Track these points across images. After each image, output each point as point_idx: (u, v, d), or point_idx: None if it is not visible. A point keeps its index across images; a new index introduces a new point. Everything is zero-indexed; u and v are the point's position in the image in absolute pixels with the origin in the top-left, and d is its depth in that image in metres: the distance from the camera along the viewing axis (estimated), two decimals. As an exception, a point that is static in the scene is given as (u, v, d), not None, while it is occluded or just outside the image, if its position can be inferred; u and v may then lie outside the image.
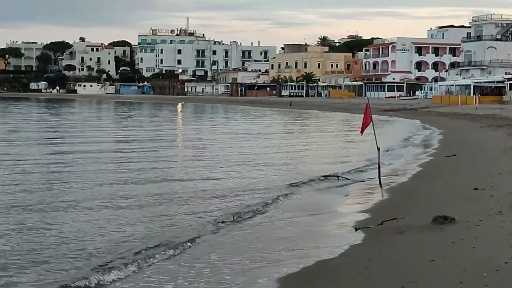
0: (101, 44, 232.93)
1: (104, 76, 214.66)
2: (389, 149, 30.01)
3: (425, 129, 47.53)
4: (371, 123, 19.63)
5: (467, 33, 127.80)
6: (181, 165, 23.91)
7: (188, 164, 24.20)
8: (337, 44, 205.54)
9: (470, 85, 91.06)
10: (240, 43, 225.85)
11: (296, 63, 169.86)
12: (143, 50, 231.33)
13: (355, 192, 18.57)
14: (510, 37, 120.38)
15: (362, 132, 20.14)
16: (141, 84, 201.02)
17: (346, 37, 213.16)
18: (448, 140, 34.97)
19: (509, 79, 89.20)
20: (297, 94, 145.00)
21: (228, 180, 20.06)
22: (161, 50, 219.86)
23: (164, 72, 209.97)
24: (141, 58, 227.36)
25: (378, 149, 20.17)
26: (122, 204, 15.63)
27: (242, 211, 15.10)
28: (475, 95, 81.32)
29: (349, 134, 44.08)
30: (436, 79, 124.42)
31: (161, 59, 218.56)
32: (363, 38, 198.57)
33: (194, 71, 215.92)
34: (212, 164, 23.96)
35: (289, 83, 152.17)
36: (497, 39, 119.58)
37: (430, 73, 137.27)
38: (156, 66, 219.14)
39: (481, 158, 23.22)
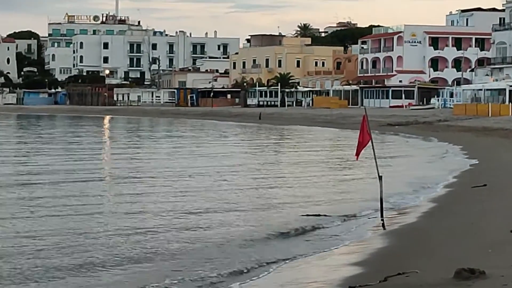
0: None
1: (2, 79, 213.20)
2: (394, 177, 30.03)
3: (444, 149, 48.12)
4: (369, 143, 19.68)
5: (500, 18, 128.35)
6: (109, 218, 23.32)
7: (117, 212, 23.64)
8: (322, 35, 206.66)
9: (504, 89, 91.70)
10: (190, 34, 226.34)
11: (267, 60, 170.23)
12: (56, 44, 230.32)
13: (349, 235, 18.64)
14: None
15: (357, 155, 20.14)
16: (53, 90, 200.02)
17: (335, 25, 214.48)
18: (475, 165, 35.35)
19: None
20: (269, 103, 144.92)
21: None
22: (81, 43, 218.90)
23: (85, 74, 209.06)
24: (53, 55, 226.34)
25: (380, 177, 20.13)
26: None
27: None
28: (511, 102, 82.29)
29: (340, 157, 44.31)
30: (458, 82, 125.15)
31: (81, 56, 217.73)
32: (359, 26, 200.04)
33: (126, 73, 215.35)
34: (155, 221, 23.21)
35: (257, 88, 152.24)
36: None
37: (450, 73, 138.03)
38: (74, 66, 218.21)
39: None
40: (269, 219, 21.03)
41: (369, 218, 20.88)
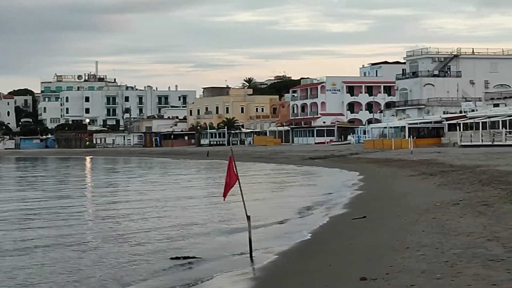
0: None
1: (3, 129, 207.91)
2: (283, 208, 25.96)
3: (345, 180, 43.94)
4: (236, 183, 15.84)
5: (403, 69, 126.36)
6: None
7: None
8: (263, 86, 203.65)
9: (404, 126, 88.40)
10: (156, 88, 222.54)
11: (217, 108, 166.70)
12: (47, 98, 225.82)
13: (217, 283, 14.44)
14: (448, 72, 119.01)
15: (224, 196, 16.32)
16: (44, 137, 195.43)
17: (273, 78, 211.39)
18: (366, 195, 31.22)
19: (447, 119, 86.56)
20: (218, 142, 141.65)
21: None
22: (67, 98, 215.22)
23: (70, 122, 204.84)
24: (45, 108, 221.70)
25: (248, 217, 16.26)
26: None
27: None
28: (410, 137, 78.73)
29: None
30: (370, 121, 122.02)
31: (67, 108, 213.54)
32: (292, 78, 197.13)
33: (104, 121, 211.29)
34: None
35: (208, 130, 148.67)
36: (434, 75, 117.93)
37: (364, 115, 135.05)
38: (61, 116, 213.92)
39: (394, 221, 19.35)
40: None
41: (238, 257, 16.58)
